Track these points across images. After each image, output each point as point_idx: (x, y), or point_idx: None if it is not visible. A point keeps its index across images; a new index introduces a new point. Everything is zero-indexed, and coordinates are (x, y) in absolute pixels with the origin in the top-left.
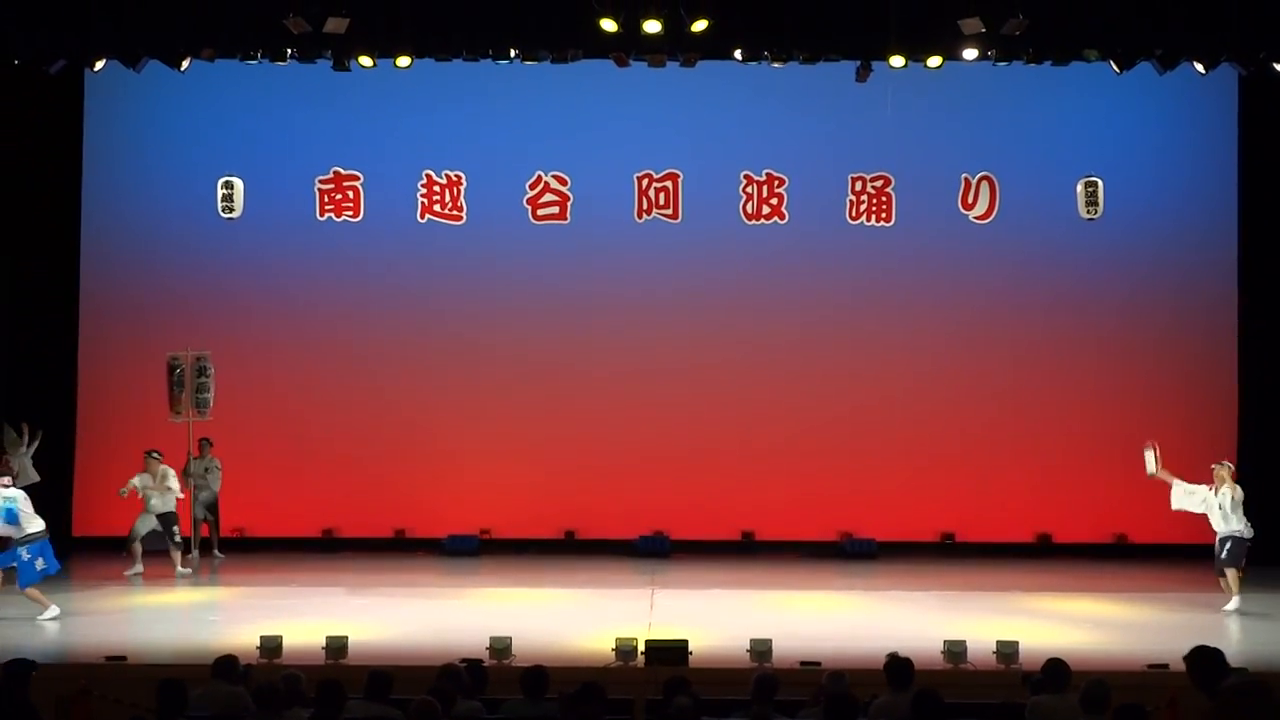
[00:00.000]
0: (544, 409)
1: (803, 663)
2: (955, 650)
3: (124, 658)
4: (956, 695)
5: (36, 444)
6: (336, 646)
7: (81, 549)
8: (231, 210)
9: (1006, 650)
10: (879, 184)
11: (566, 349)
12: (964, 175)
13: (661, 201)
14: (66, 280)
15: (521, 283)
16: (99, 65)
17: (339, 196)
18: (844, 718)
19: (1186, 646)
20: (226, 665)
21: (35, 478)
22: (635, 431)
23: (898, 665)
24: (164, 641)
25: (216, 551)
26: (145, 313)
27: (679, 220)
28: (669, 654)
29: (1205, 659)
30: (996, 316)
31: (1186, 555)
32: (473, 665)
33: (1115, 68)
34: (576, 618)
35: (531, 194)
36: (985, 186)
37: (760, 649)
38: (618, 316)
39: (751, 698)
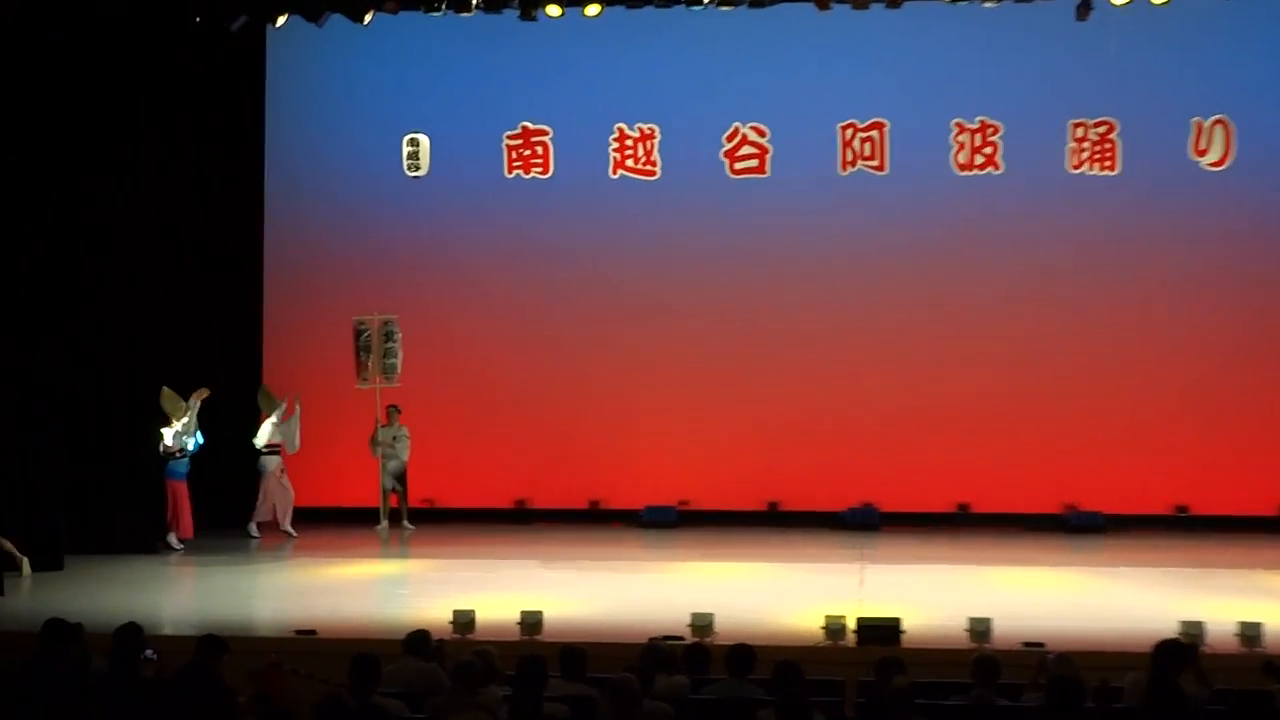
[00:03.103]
0: (745, 375)
1: (1025, 644)
2: (1192, 632)
3: (314, 632)
4: (1191, 682)
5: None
6: (531, 622)
7: (267, 520)
8: (417, 168)
9: (1250, 633)
10: (1102, 130)
11: (766, 310)
12: (1195, 119)
13: (867, 152)
14: (250, 243)
15: (718, 240)
16: (280, 20)
17: (527, 153)
18: (1071, 702)
19: None
20: (419, 640)
21: (296, 445)
22: (841, 398)
23: (1170, 649)
24: (353, 616)
25: (406, 523)
26: (330, 276)
27: (885, 172)
28: (881, 633)
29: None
30: (1231, 270)
31: None
32: (694, 646)
33: None
34: (782, 594)
35: (728, 146)
36: (1219, 131)
37: (979, 629)
38: (821, 274)
39: (971, 681)
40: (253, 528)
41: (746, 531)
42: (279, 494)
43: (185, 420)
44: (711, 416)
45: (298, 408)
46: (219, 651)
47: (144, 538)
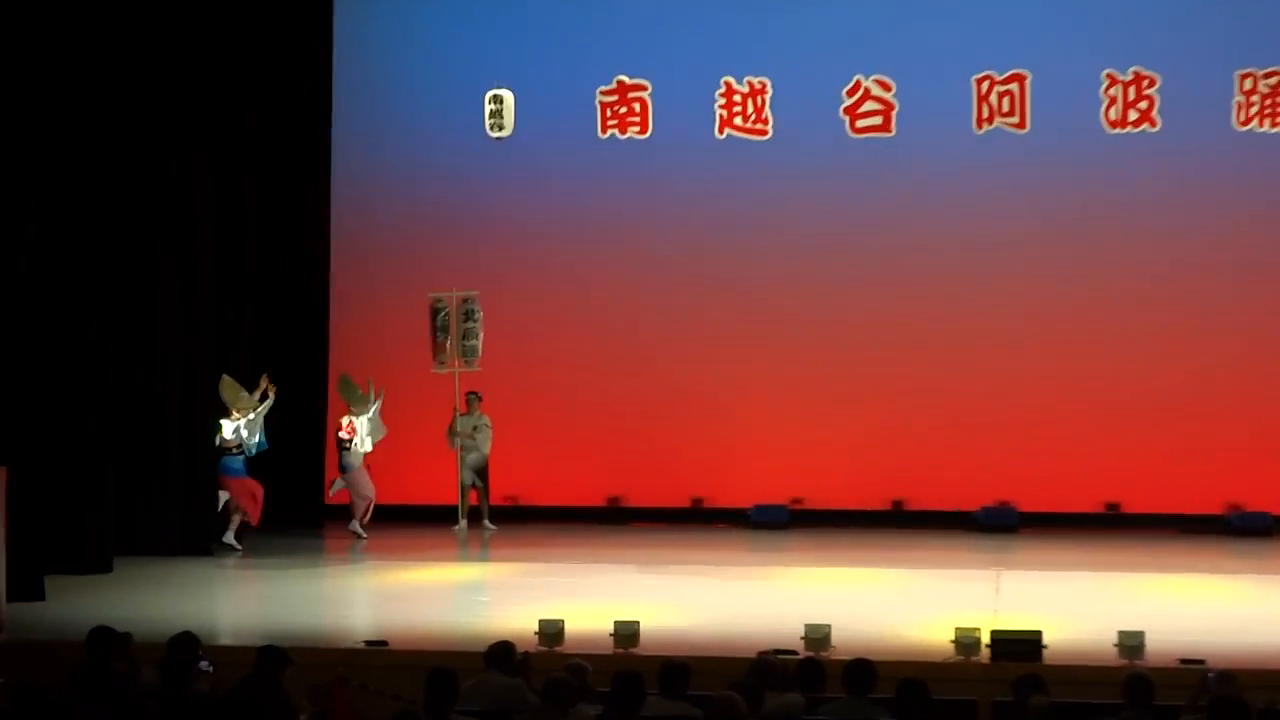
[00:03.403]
0: (865, 359)
1: (1182, 660)
2: None
3: (385, 643)
4: None
5: (269, 401)
6: (627, 633)
7: (336, 517)
8: (501, 128)
9: None
10: (1274, 82)
11: (891, 287)
12: None
13: (1006, 108)
14: (314, 215)
15: (837, 208)
16: None
17: (623, 110)
18: None
19: None
20: (502, 653)
21: (383, 431)
22: (974, 386)
23: None
24: (429, 625)
25: (487, 522)
26: (403, 250)
27: (1026, 130)
28: (1019, 647)
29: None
30: None
31: None
32: (808, 660)
33: None
34: (907, 602)
35: (849, 102)
36: None
37: (1131, 643)
38: (953, 247)
39: (1121, 701)
40: (355, 525)
41: (867, 533)
42: (364, 491)
43: (250, 417)
44: (828, 405)
45: (380, 397)
46: (281, 664)
47: (198, 538)
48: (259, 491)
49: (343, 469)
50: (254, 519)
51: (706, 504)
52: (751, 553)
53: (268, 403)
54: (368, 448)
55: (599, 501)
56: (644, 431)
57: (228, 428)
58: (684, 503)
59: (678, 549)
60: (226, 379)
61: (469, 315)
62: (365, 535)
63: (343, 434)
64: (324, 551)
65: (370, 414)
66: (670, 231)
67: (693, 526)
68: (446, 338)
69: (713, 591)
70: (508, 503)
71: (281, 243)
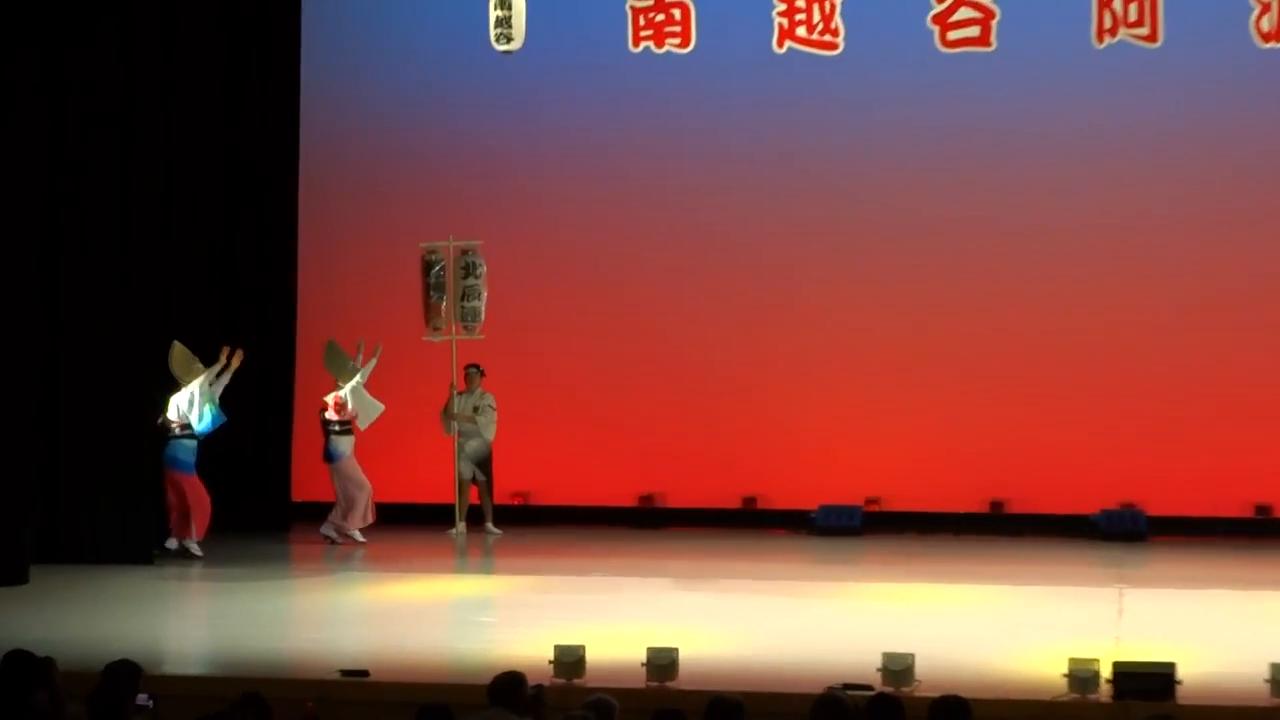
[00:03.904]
0: (958, 334)
1: None
2: None
3: (366, 673)
4: None
5: (228, 371)
6: (663, 663)
7: (305, 517)
8: (509, 40)
9: None
10: None
11: (990, 240)
12: None
13: (1132, 16)
14: (280, 143)
15: (922, 137)
16: None
17: (660, 18)
18: None
19: None
20: (509, 687)
21: (378, 407)
22: (1092, 365)
23: None
24: (418, 651)
25: (490, 525)
26: (387, 190)
27: (1157, 44)
28: (1147, 682)
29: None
30: None
31: None
32: (883, 697)
33: None
34: (1009, 626)
35: (939, 9)
36: None
37: None
38: (1067, 188)
39: None
40: (356, 534)
41: (959, 540)
42: (365, 487)
43: (198, 386)
44: (912, 386)
45: (375, 357)
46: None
47: (136, 543)
48: (206, 501)
49: (329, 457)
50: (200, 529)
51: (761, 504)
52: (816, 564)
53: (228, 372)
54: (361, 425)
55: (629, 501)
56: (684, 416)
57: (174, 405)
58: (733, 503)
59: (725, 559)
60: (179, 348)
61: (470, 270)
62: (364, 540)
63: (330, 414)
64: (290, 560)
65: (356, 383)
66: (714, 165)
67: (744, 531)
68: (442, 298)
69: (769, 611)
70: (516, 501)
71: (236, 181)
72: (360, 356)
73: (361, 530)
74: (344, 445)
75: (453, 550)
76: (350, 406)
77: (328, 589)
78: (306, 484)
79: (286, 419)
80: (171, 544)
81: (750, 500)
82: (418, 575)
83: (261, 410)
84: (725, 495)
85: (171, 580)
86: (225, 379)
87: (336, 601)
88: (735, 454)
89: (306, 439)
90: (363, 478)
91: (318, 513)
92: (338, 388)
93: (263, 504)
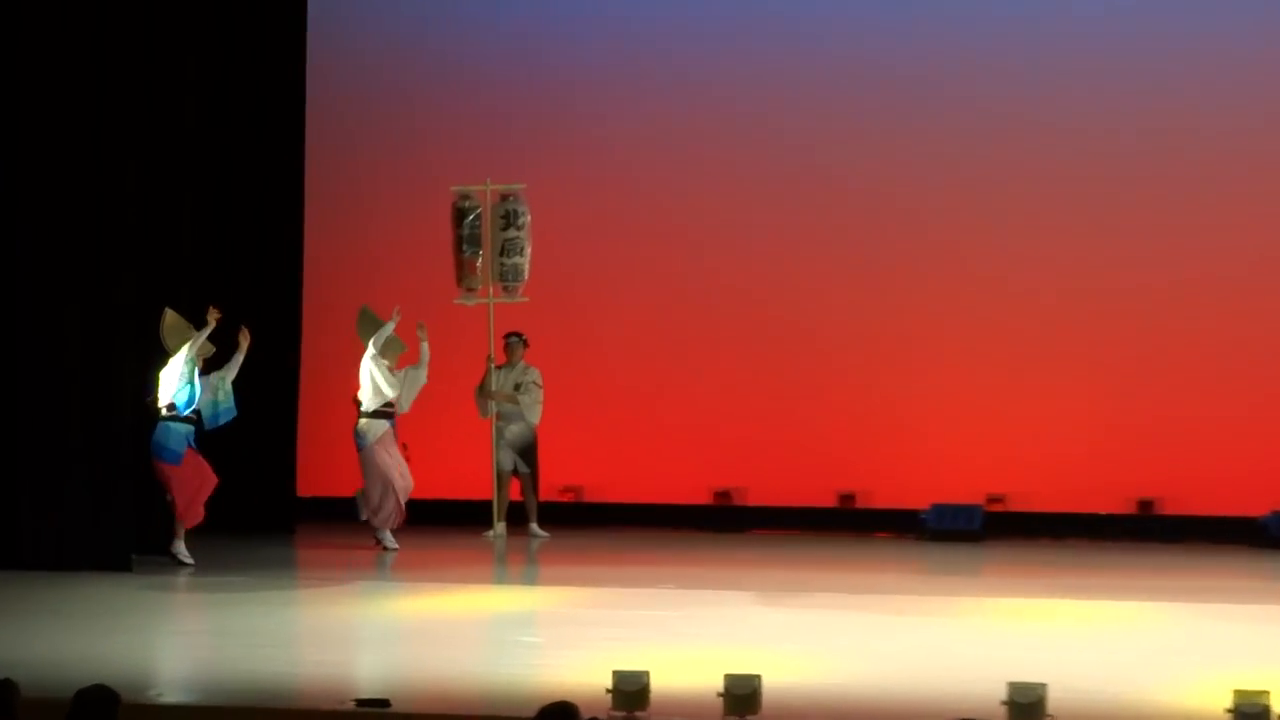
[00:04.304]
0: (1100, 306)
1: None
2: None
3: (387, 702)
4: None
5: (239, 354)
6: (742, 692)
7: (313, 515)
8: None
9: None
10: None
11: (1142, 210)
12: None
13: None
14: (285, 78)
15: (1075, 69)
16: None
17: None
18: None
19: None
20: (559, 718)
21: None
22: (1264, 342)
23: None
24: (450, 677)
25: (535, 526)
26: (408, 127)
27: None
28: None
29: None
30: None
31: None
32: None
33: None
34: (1159, 651)
35: None
36: None
37: None
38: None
39: None
40: (387, 538)
41: (1102, 546)
42: (397, 480)
43: (183, 357)
44: (1046, 366)
45: (388, 326)
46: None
47: (113, 546)
48: (206, 483)
49: (361, 444)
50: (188, 517)
51: (861, 503)
52: (928, 574)
53: (239, 354)
54: (402, 407)
55: (702, 498)
56: (769, 396)
57: (161, 384)
58: (827, 501)
59: (818, 567)
60: (171, 315)
61: (511, 219)
62: (394, 546)
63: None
64: (296, 566)
65: (372, 351)
66: (803, 102)
67: (840, 535)
68: (477, 254)
69: (870, 631)
70: (566, 498)
71: (231, 122)
72: (395, 320)
73: (383, 533)
74: (370, 429)
75: (490, 556)
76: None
77: (340, 602)
78: (314, 477)
79: (291, 399)
80: (180, 550)
81: (848, 498)
82: (448, 586)
83: (262, 391)
84: (818, 491)
85: (154, 590)
86: (235, 365)
87: (350, 617)
88: (830, 442)
89: (314, 425)
90: (386, 469)
91: (326, 510)
92: (376, 362)
93: (263, 500)
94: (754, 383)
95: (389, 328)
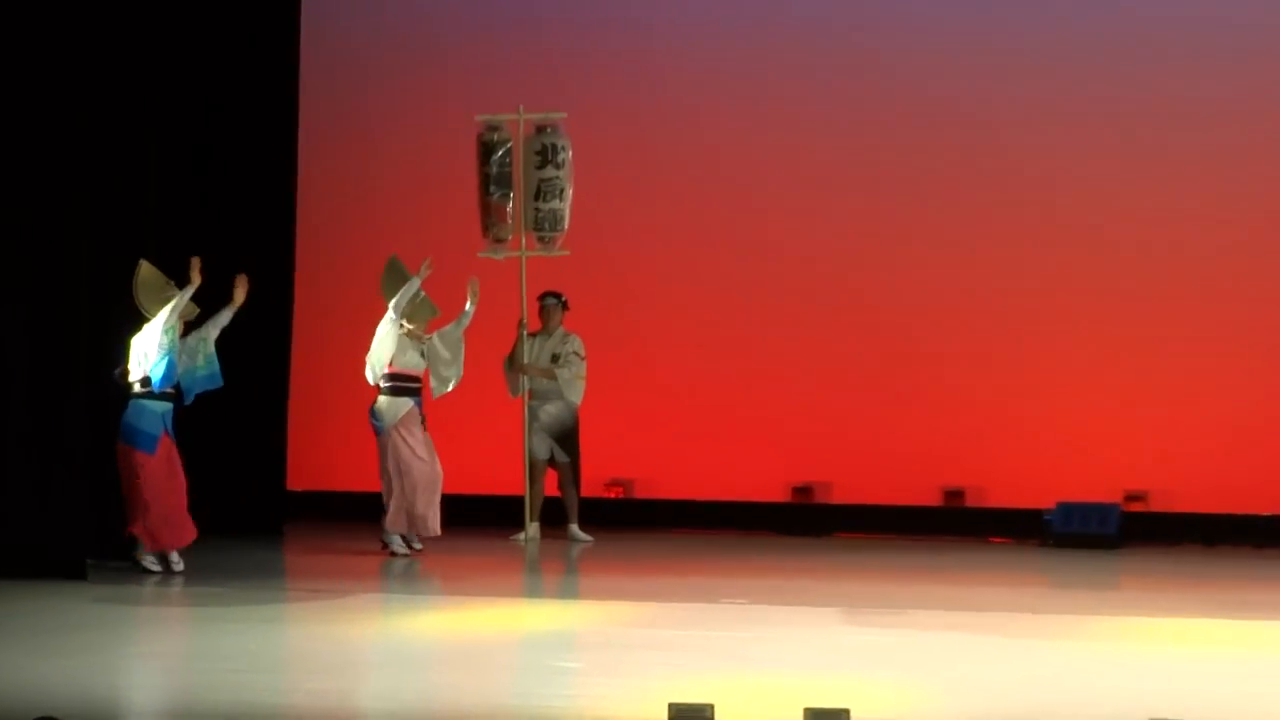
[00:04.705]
0: (1248, 282)
1: None
2: None
3: None
4: None
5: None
6: None
7: (303, 512)
8: None
9: None
10: None
11: None
12: None
13: None
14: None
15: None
16: None
17: None
18: None
19: None
20: None
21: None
22: None
23: None
24: (473, 708)
25: (575, 528)
26: (418, 45)
27: None
28: None
29: None
30: None
31: None
32: None
33: None
34: None
35: None
36: None
37: None
38: None
39: None
40: (396, 542)
41: (1264, 554)
42: (413, 471)
43: (162, 321)
44: (1193, 346)
45: (415, 283)
46: None
47: (66, 550)
48: (179, 487)
49: (377, 426)
50: (163, 534)
51: (970, 501)
52: (1053, 587)
53: (229, 309)
54: (446, 387)
55: (777, 495)
56: (859, 377)
57: (134, 352)
58: (930, 498)
59: (917, 578)
60: (147, 270)
61: (548, 156)
62: (418, 547)
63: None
64: (284, 574)
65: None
66: (923, 41)
67: (946, 539)
68: (507, 197)
69: (984, 656)
70: (612, 494)
71: (215, 52)
72: (424, 271)
73: (407, 538)
74: (388, 408)
75: (521, 563)
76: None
77: (337, 618)
78: (307, 468)
79: (282, 379)
80: (147, 558)
81: (955, 494)
82: (468, 600)
83: (246, 365)
84: (918, 487)
85: (113, 604)
86: (220, 322)
87: (350, 637)
88: (933, 428)
89: (305, 408)
90: (409, 461)
91: (319, 506)
92: (406, 326)
93: (247, 495)
94: (840, 358)
95: (414, 284)
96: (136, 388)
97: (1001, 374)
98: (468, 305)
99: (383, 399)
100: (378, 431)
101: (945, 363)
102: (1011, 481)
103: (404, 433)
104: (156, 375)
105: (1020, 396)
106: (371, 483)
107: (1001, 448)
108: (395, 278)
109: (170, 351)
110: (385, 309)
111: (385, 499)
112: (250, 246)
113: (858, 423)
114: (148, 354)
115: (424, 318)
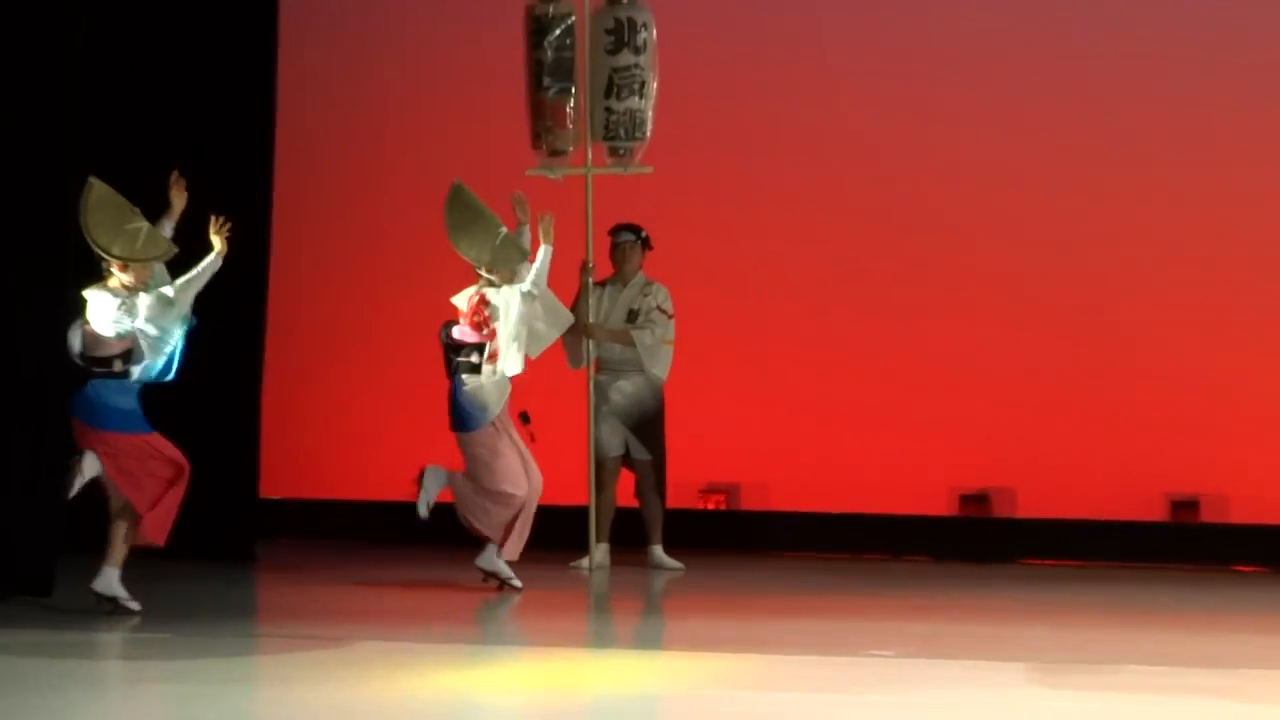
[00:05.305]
0: None
1: None
2: None
3: None
4: None
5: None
6: None
7: (280, 524)
8: None
9: None
10: None
11: None
12: None
13: None
14: None
15: None
16: None
17: None
18: None
19: None
20: None
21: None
22: None
23: None
24: None
25: (658, 550)
26: None
27: None
28: None
29: None
30: None
31: None
32: None
33: None
34: None
35: None
36: None
37: None
38: None
39: None
40: (493, 558)
41: None
42: (534, 473)
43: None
44: None
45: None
46: None
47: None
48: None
49: (457, 418)
50: (159, 532)
51: (1206, 515)
52: None
53: (210, 261)
54: (515, 368)
55: (939, 506)
56: (1053, 353)
57: (96, 306)
58: (1152, 511)
59: (1134, 618)
60: (97, 187)
61: (624, 38)
62: (517, 582)
63: (460, 330)
64: (258, 613)
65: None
66: None
67: (1172, 563)
68: (568, 92)
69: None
70: (708, 505)
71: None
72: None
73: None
74: (496, 392)
75: (585, 599)
76: (493, 312)
77: (335, 674)
78: (279, 475)
79: (256, 367)
80: (111, 582)
81: (1186, 506)
82: (516, 650)
83: (215, 357)
84: (1135, 496)
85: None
86: (200, 278)
87: (353, 703)
88: (1152, 423)
89: (279, 406)
90: (529, 460)
91: (298, 520)
92: (482, 280)
93: (212, 507)
94: (1028, 328)
95: (525, 234)
96: (106, 361)
97: (1241, 353)
98: (542, 247)
99: (479, 382)
100: (475, 425)
101: (1169, 339)
102: (1261, 491)
103: (507, 423)
104: (154, 369)
105: (1271, 380)
106: (360, 490)
107: (1247, 446)
108: (463, 209)
109: (138, 312)
110: (465, 273)
111: (479, 517)
112: (220, 201)
113: (1050, 411)
114: (117, 315)
115: (510, 265)
